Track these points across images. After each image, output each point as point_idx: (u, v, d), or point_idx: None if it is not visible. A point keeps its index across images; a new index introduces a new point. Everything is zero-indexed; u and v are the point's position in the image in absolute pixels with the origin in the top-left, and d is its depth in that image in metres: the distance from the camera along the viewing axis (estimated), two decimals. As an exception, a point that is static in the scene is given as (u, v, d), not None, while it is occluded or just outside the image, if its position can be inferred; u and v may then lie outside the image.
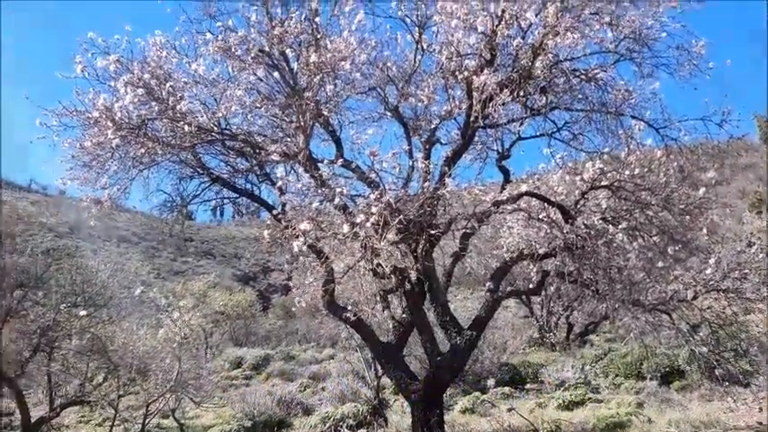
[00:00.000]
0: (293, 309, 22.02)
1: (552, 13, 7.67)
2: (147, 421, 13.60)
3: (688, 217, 8.87)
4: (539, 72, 8.38)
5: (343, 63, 7.74)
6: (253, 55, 8.04)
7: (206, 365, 17.36)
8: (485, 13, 8.16)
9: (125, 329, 13.76)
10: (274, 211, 9.19)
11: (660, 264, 9.00)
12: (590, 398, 14.81)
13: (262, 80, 8.38)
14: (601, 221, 9.03)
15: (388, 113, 9.26)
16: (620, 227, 8.87)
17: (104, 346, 12.68)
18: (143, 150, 8.52)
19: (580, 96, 8.92)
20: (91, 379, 13.37)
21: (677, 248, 8.88)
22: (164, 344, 13.86)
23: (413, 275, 8.53)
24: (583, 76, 8.68)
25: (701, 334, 10.22)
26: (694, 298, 9.65)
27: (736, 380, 12.33)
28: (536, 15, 8.00)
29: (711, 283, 9.61)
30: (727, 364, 10.99)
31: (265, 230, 7.71)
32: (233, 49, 8.02)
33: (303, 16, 8.10)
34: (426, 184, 8.08)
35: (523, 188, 9.23)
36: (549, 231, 9.45)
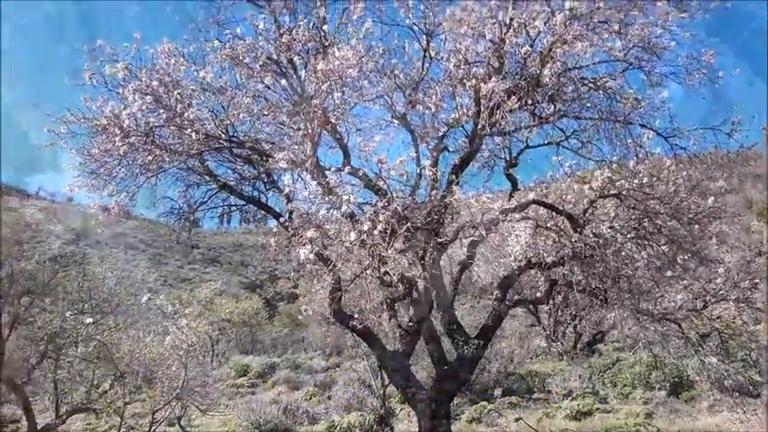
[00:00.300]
0: (300, 317, 21.98)
1: (561, 22, 7.65)
2: (152, 429, 13.55)
3: (697, 226, 8.81)
4: (547, 80, 8.37)
5: (350, 71, 7.73)
6: (260, 63, 8.07)
7: (212, 373, 17.28)
8: (493, 21, 8.16)
9: (131, 336, 13.73)
10: (281, 219, 9.19)
11: (669, 273, 8.95)
12: (598, 408, 14.74)
13: (269, 88, 8.39)
14: (609, 230, 8.98)
15: (396, 121, 9.23)
16: (628, 236, 8.83)
17: (111, 353, 12.66)
18: (150, 158, 8.56)
19: (588, 105, 8.89)
20: (97, 386, 13.35)
21: (686, 258, 8.84)
22: (170, 351, 13.82)
23: (420, 284, 8.50)
24: (591, 85, 8.65)
25: (710, 344, 10.14)
26: (704, 307, 9.59)
27: (746, 390, 12.23)
28: (544, 24, 7.98)
29: (721, 292, 9.55)
30: (737, 375, 10.90)
31: (272, 238, 7.72)
32: (241, 57, 8.05)
33: (311, 24, 8.14)
34: (434, 191, 8.05)
35: (531, 196, 9.19)
36: (557, 240, 9.42)
